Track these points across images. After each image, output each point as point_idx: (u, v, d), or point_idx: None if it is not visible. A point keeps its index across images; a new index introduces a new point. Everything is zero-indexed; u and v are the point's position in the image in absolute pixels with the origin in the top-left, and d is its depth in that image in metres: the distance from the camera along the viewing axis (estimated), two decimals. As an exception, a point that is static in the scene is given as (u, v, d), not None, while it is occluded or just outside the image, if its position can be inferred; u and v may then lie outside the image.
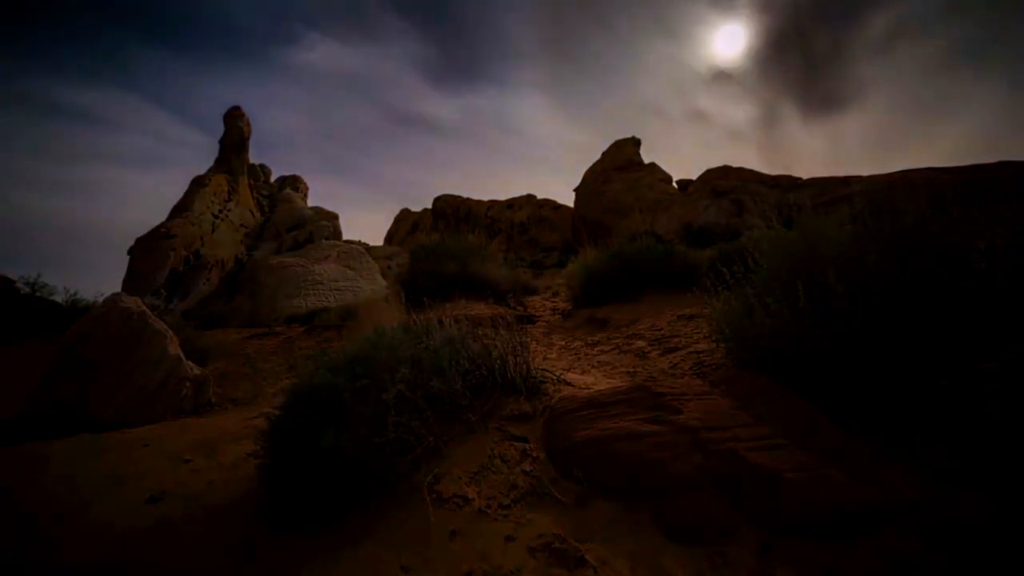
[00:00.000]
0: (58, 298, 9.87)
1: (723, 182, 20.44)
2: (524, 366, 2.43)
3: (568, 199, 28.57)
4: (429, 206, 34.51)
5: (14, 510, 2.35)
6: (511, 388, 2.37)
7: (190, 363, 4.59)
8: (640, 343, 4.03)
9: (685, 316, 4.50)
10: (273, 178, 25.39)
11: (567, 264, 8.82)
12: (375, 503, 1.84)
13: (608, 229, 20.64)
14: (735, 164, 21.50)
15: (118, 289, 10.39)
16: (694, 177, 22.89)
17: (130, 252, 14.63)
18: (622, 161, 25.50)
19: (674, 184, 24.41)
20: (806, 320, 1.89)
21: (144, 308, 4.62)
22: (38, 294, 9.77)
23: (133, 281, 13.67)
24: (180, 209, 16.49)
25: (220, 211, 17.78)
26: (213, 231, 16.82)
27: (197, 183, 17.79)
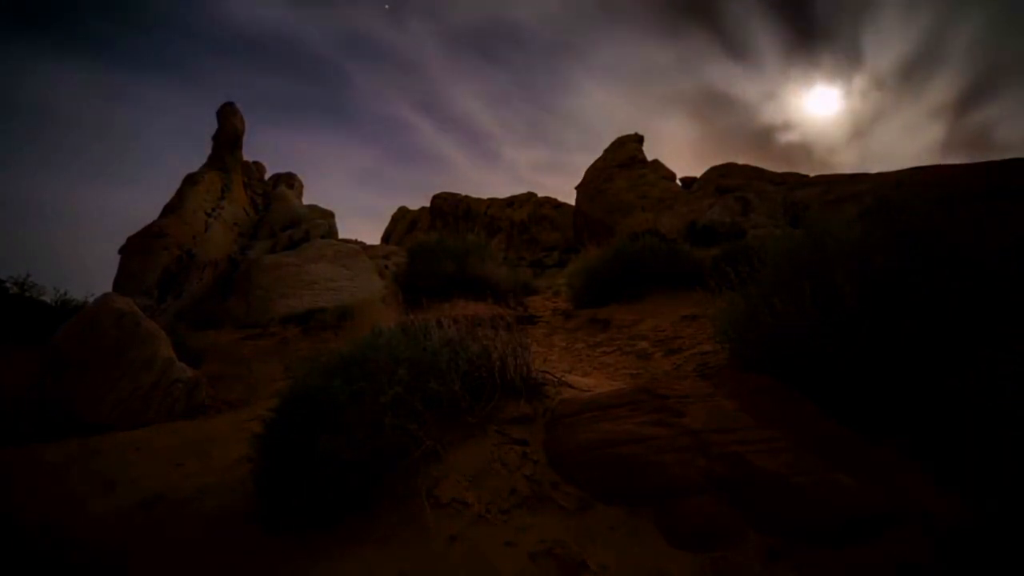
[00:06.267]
0: (47, 298, 9.72)
1: (728, 180, 20.30)
2: (524, 368, 2.39)
3: (569, 197, 28.45)
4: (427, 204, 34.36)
5: (2, 516, 2.29)
6: (511, 390, 2.33)
7: (183, 365, 4.53)
8: (643, 344, 4.01)
9: (689, 317, 4.48)
10: (267, 175, 25.19)
11: (568, 263, 8.79)
12: (372, 507, 1.80)
13: (610, 228, 20.52)
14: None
15: (109, 289, 10.24)
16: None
17: (121, 251, 14.44)
18: (624, 158, 25.37)
19: (678, 182, 24.38)
20: (812, 321, 1.86)
21: (135, 309, 4.55)
22: (27, 294, 9.61)
23: (124, 281, 13.49)
24: (172, 207, 16.28)
25: (213, 209, 17.57)
26: (206, 230, 16.62)
27: (189, 181, 17.56)
